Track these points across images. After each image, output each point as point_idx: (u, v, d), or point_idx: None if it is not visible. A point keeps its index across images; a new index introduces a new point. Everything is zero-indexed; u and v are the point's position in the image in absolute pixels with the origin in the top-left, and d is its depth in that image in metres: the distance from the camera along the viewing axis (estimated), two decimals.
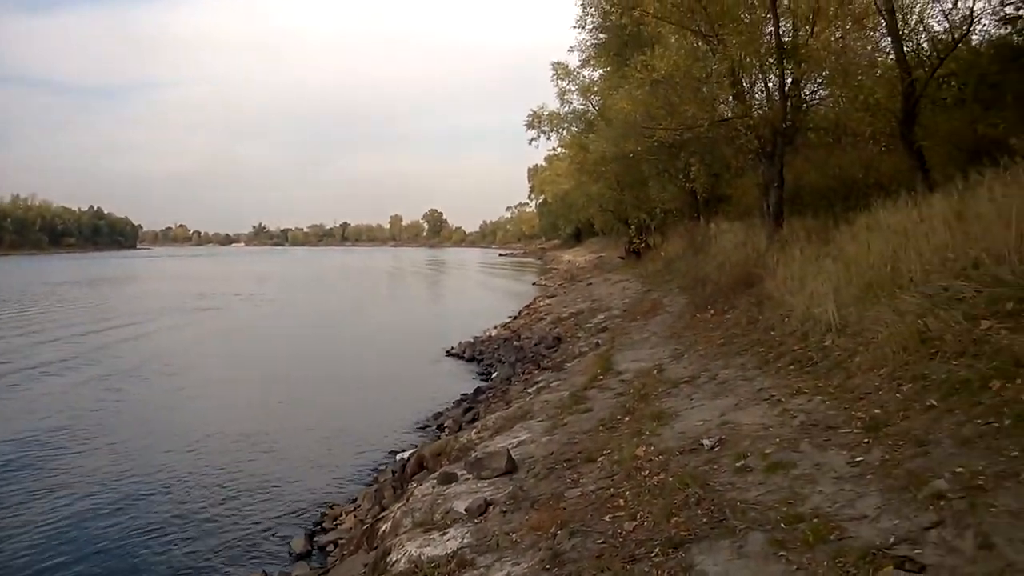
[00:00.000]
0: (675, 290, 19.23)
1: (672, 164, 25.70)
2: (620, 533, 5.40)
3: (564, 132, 29.61)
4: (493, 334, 23.31)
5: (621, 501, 5.91)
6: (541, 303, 25.97)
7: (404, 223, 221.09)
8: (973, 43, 14.86)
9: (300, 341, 26.31)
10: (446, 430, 13.50)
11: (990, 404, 5.04)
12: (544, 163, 47.53)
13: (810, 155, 22.61)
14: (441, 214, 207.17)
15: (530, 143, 31.35)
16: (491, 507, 7.00)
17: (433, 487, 8.36)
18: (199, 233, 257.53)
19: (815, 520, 4.46)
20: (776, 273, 12.84)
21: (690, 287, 18.17)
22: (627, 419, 8.25)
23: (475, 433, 11.19)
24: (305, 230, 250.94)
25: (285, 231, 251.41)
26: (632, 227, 27.78)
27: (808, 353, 8.44)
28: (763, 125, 14.59)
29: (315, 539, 9.37)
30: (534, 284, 37.03)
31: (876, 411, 5.95)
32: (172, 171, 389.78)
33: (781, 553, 4.25)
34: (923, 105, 13.70)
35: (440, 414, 15.13)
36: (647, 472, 6.28)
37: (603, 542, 5.30)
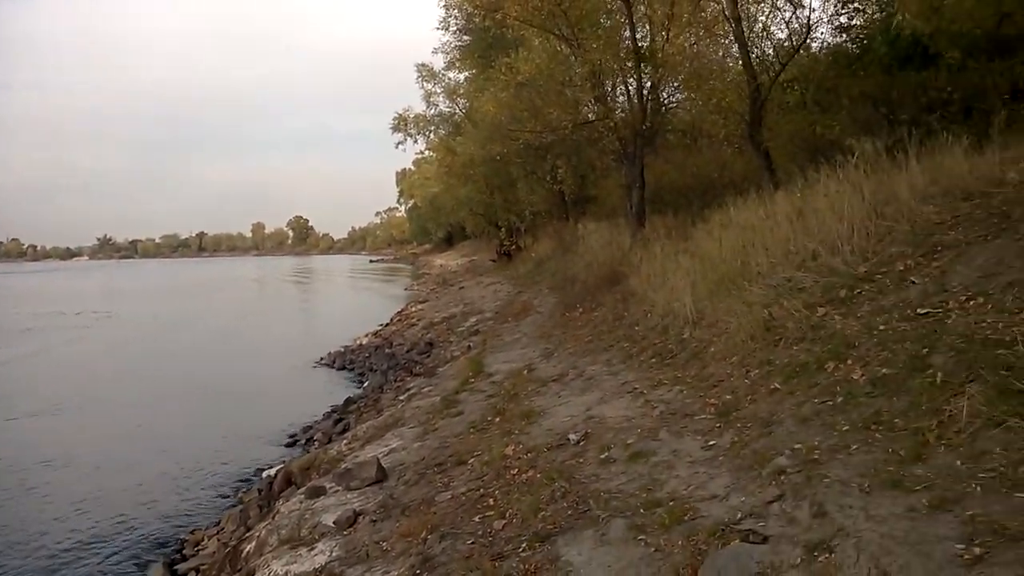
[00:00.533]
0: (545, 290, 19.68)
1: (540, 166, 26.30)
2: (490, 532, 5.48)
3: (431, 135, 29.62)
4: (364, 342, 22.93)
5: (491, 500, 6.00)
6: (413, 308, 25.80)
7: (267, 231, 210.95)
8: (813, 50, 16.23)
9: (157, 359, 24.69)
10: (315, 443, 13.15)
11: (825, 384, 5.52)
12: (412, 167, 47.43)
13: (670, 156, 23.81)
14: (307, 221, 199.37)
15: (397, 147, 31.17)
16: (361, 517, 6.90)
17: (301, 502, 8.13)
18: (35, 247, 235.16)
19: (671, 503, 4.73)
20: (639, 270, 13.44)
21: (560, 287, 18.65)
22: (497, 420, 8.36)
23: (345, 444, 10.97)
24: (157, 241, 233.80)
25: (134, 242, 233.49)
26: (502, 229, 28.20)
27: (668, 346, 8.90)
28: (624, 127, 15.23)
29: (175, 568, 8.85)
30: (406, 289, 36.76)
31: (728, 397, 6.37)
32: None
33: (640, 537, 4.47)
34: (768, 108, 14.77)
35: (310, 427, 14.70)
36: (516, 470, 6.40)
37: (473, 542, 5.36)
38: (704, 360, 7.63)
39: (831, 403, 5.24)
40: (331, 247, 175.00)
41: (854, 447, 4.50)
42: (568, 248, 22.76)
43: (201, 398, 18.40)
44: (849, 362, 5.63)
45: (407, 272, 49.47)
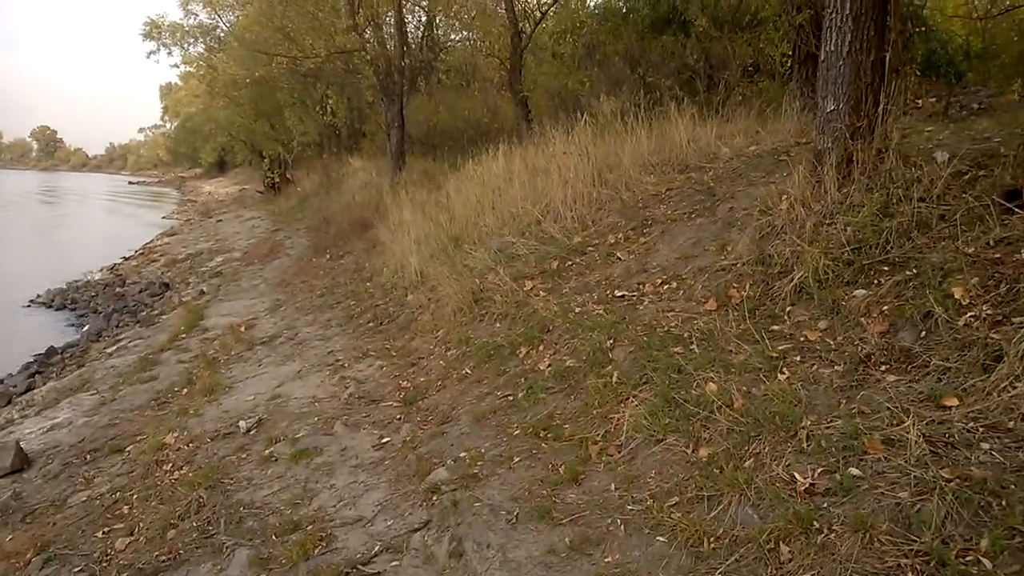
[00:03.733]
0: (302, 230, 18.05)
1: (309, 94, 24.05)
2: (108, 555, 4.32)
3: (189, 48, 25.93)
4: (97, 278, 19.80)
5: (126, 508, 4.79)
6: (159, 242, 22.80)
7: (4, 141, 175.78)
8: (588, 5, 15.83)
9: None
10: None
11: (512, 374, 4.90)
12: (179, 82, 41.79)
13: (443, 97, 22.77)
14: (55, 132, 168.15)
15: (148, 56, 26.88)
16: None
17: None
18: None
19: (310, 527, 3.84)
20: (389, 218, 12.43)
21: (316, 228, 17.14)
22: (184, 392, 7.04)
23: (18, 411, 9.00)
24: None
25: None
26: (266, 160, 25.67)
27: (389, 308, 8.02)
28: (381, 61, 13.86)
29: None
30: (164, 218, 32.65)
31: (421, 379, 5.60)
32: None
33: (262, 575, 3.55)
34: (530, 56, 14.17)
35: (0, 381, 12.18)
36: (169, 466, 5.22)
37: (81, 570, 4.18)
38: (413, 330, 6.83)
39: (511, 398, 4.62)
40: (85, 164, 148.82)
41: (517, 459, 3.87)
42: (333, 185, 21.13)
43: None
44: (541, 348, 5.05)
45: (171, 198, 44.30)
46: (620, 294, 5.32)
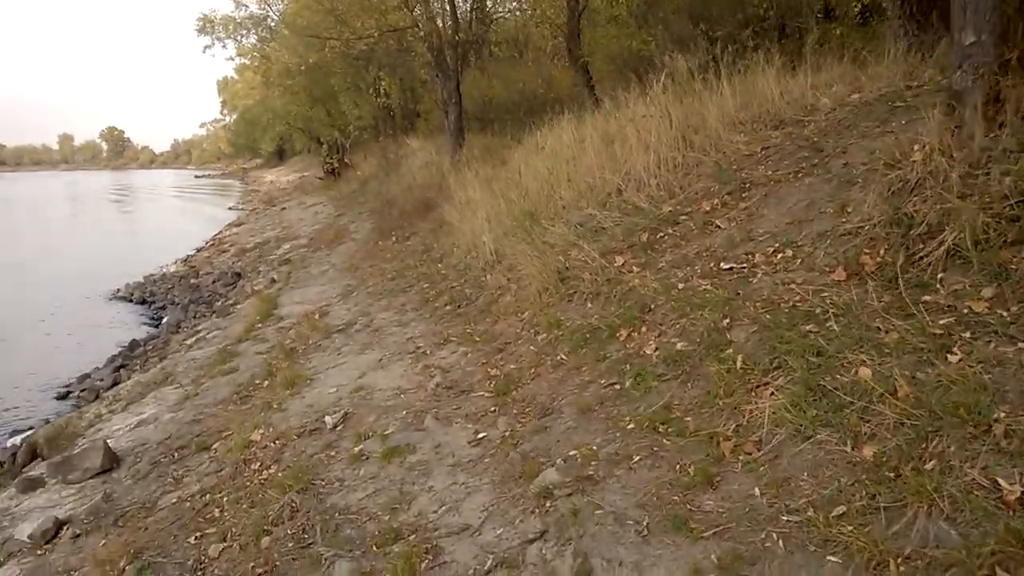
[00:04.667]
0: (365, 214, 17.85)
1: (362, 77, 23.79)
2: (202, 563, 4.09)
3: (242, 39, 25.95)
4: (172, 270, 20.11)
5: (217, 511, 4.56)
6: (228, 233, 23.02)
7: (77, 143, 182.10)
8: None
9: None
10: (82, 399, 10.96)
11: (615, 359, 4.43)
12: (235, 75, 42.17)
13: (496, 70, 22.21)
14: (123, 132, 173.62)
15: (204, 51, 27.05)
16: (65, 529, 5.25)
17: (11, 498, 6.31)
18: None
19: (412, 537, 3.48)
20: (453, 197, 12.04)
21: (379, 211, 16.89)
22: (266, 384, 6.82)
23: (105, 406, 9.02)
24: None
25: None
26: (324, 145, 25.57)
27: (465, 290, 7.63)
28: (434, 36, 13.38)
29: None
30: (230, 209, 33.17)
31: (511, 367, 5.18)
32: None
33: None
34: (585, 21, 13.45)
35: (87, 376, 12.33)
36: (257, 465, 4.96)
37: None
38: (495, 313, 6.41)
39: (618, 386, 4.15)
40: (152, 161, 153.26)
41: (637, 458, 3.41)
42: (392, 167, 20.86)
43: None
44: (644, 330, 4.56)
45: (235, 189, 45.05)
46: (727, 267, 4.77)
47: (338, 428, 5.09)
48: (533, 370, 4.90)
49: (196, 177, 64.95)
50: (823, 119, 6.25)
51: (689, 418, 3.55)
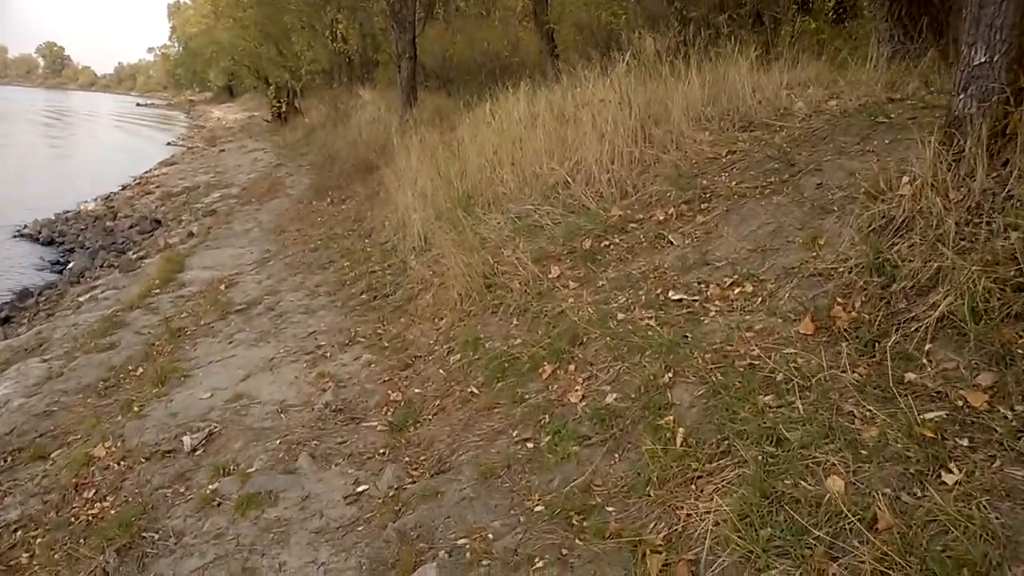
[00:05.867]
0: (306, 167, 16.65)
1: (319, 18, 22.23)
2: None
3: None
4: (90, 208, 18.53)
5: (24, 557, 3.65)
6: (158, 172, 21.41)
7: (11, 56, 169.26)
8: None
9: None
10: None
11: (533, 405, 3.65)
12: (188, 0, 39.26)
13: (462, 27, 20.98)
14: (63, 49, 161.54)
15: None
16: None
17: None
18: None
19: None
20: (396, 161, 11.04)
21: (320, 165, 15.74)
22: (139, 372, 5.86)
23: None
24: None
25: None
26: (272, 87, 23.96)
27: (386, 277, 6.75)
28: None
29: None
30: (168, 144, 31.11)
31: (416, 391, 4.37)
32: None
33: None
34: None
35: None
36: (91, 494, 4.06)
37: None
38: (412, 314, 5.57)
39: (532, 444, 3.37)
40: (93, 83, 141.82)
41: (540, 563, 2.65)
42: (342, 119, 19.56)
43: None
44: (572, 368, 3.78)
45: (178, 123, 42.45)
46: (676, 297, 4.01)
47: (197, 453, 4.20)
48: (439, 402, 4.09)
49: (138, 105, 61.01)
50: (797, 126, 5.51)
51: (612, 508, 2.79)
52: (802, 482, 2.50)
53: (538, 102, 8.35)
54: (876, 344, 3.12)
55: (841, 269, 3.62)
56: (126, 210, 17.17)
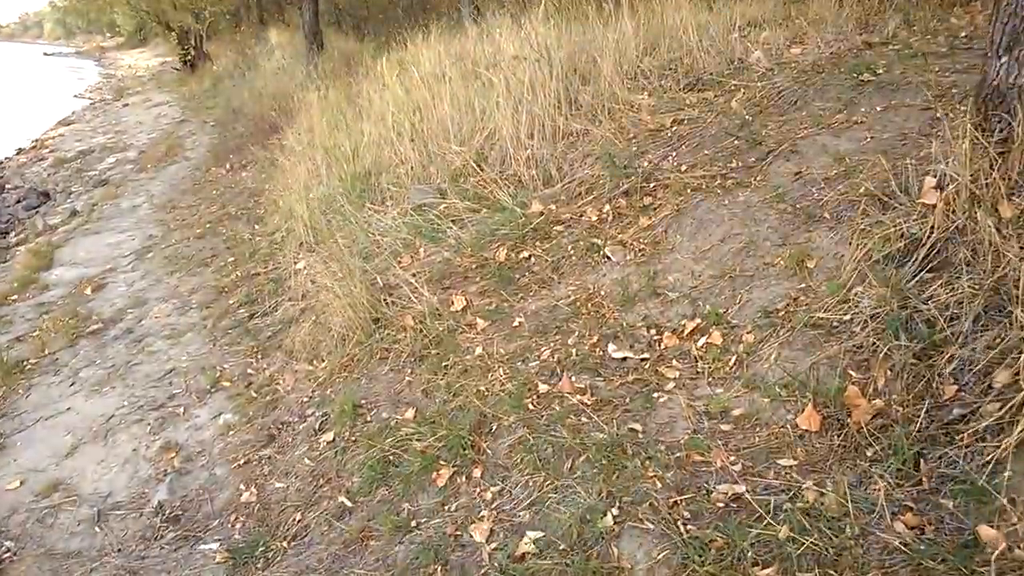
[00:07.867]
0: (209, 124, 14.65)
1: None
2: None
3: None
4: None
5: None
6: (55, 133, 18.86)
7: None
8: None
9: None
10: None
11: (422, 542, 2.43)
12: None
13: None
14: None
15: None
16: None
17: None
18: None
19: None
20: (298, 121, 9.44)
21: (223, 122, 13.80)
22: None
23: None
24: None
25: None
26: (175, 32, 21.23)
27: (268, 286, 5.34)
28: None
29: None
30: (76, 97, 27.89)
31: (277, 486, 3.10)
32: None
33: None
34: None
35: None
36: None
37: None
38: (287, 349, 4.23)
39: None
40: None
41: None
42: (250, 65, 17.38)
43: None
44: (477, 475, 2.56)
45: (88, 72, 38.38)
46: (619, 354, 2.81)
47: None
48: (299, 516, 2.84)
49: (45, 55, 54.96)
50: (757, 85, 4.25)
51: None
52: None
53: (449, 55, 6.89)
54: (921, 460, 1.99)
55: (849, 318, 2.46)
56: (16, 180, 14.89)
